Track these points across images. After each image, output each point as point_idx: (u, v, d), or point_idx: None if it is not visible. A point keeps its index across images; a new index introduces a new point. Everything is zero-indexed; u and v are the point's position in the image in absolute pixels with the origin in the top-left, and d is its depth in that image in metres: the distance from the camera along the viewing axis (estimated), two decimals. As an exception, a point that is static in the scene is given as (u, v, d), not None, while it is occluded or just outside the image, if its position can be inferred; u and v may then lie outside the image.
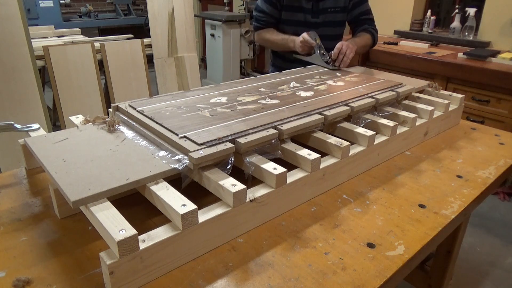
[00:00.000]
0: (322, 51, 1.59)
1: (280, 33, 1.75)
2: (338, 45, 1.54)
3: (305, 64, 1.65)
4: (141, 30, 4.90)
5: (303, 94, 1.19)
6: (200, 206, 0.71)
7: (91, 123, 1.01)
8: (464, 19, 2.96)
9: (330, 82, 1.34)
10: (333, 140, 0.96)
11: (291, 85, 1.29)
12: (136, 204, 0.85)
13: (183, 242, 0.69)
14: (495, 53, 2.55)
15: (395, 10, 3.36)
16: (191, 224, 0.68)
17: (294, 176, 0.86)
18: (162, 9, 3.36)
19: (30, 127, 1.00)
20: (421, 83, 1.42)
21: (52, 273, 0.68)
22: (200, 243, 0.72)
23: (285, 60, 1.84)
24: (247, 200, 0.76)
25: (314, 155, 0.87)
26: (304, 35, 1.57)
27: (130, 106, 1.05)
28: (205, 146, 0.81)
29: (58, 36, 3.47)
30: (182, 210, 0.66)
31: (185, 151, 0.81)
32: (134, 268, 0.63)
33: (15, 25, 2.27)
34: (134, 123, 0.98)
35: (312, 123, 1.00)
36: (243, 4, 4.77)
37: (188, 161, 0.79)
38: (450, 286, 1.65)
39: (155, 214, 0.81)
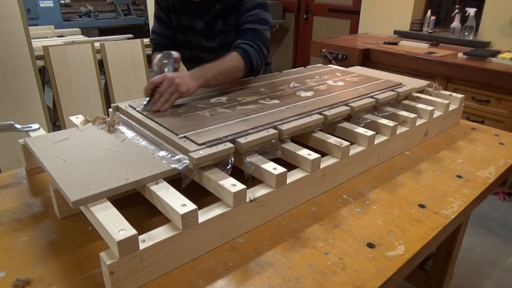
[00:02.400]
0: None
1: None
2: (158, 77, 1.03)
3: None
4: (141, 30, 4.91)
5: (303, 94, 1.19)
6: (200, 206, 0.71)
7: (91, 123, 1.01)
8: (464, 19, 2.96)
9: (330, 82, 1.34)
10: (333, 140, 0.96)
11: (291, 85, 1.29)
12: (136, 204, 0.85)
13: (183, 242, 0.69)
14: (495, 53, 2.55)
15: (395, 10, 3.36)
16: (191, 224, 0.68)
17: (294, 176, 0.86)
18: (162, 9, 3.35)
19: (30, 127, 1.01)
20: (421, 83, 1.42)
21: (52, 273, 0.68)
22: (200, 243, 0.72)
23: None
24: (247, 200, 0.76)
25: (314, 155, 0.87)
26: (155, 57, 1.16)
27: (130, 106, 1.05)
28: (205, 146, 0.81)
29: (58, 36, 3.47)
30: (182, 210, 0.66)
31: (185, 151, 0.81)
32: (134, 268, 0.63)
33: (15, 25, 2.27)
34: (134, 123, 0.98)
35: (312, 123, 1.00)
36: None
37: (188, 161, 0.79)
38: (450, 286, 1.65)
39: (155, 214, 0.81)
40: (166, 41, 1.46)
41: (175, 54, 1.13)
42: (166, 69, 1.10)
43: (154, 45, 1.48)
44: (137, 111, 1.02)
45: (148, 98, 1.05)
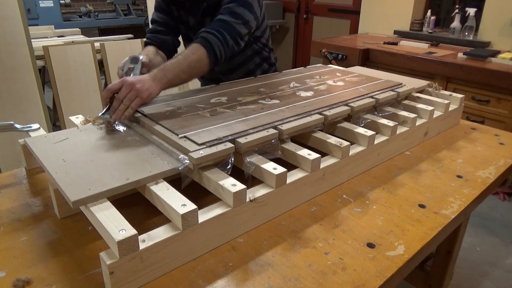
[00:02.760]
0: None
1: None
2: (116, 84, 0.96)
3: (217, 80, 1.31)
4: (141, 30, 4.90)
5: (303, 94, 1.19)
6: (200, 206, 0.71)
7: (91, 123, 1.01)
8: (464, 19, 2.96)
9: (330, 82, 1.34)
10: (333, 140, 0.96)
11: (291, 85, 1.29)
12: (136, 204, 0.85)
13: (183, 242, 0.69)
14: (495, 53, 2.55)
15: (395, 10, 3.36)
16: (191, 224, 0.68)
17: (294, 176, 0.86)
18: (162, 9, 3.35)
19: (30, 127, 1.01)
20: (421, 83, 1.42)
21: (52, 273, 0.68)
22: (200, 243, 0.72)
23: (209, 78, 1.50)
24: (247, 200, 0.76)
25: (314, 155, 0.87)
26: (123, 60, 1.09)
27: (130, 106, 1.05)
28: (205, 146, 0.81)
29: (58, 36, 3.47)
30: (182, 210, 0.66)
31: (185, 151, 0.81)
32: (134, 268, 0.63)
33: (15, 25, 2.27)
34: (134, 123, 0.98)
35: (312, 123, 1.00)
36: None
37: (188, 161, 0.79)
38: (450, 286, 1.65)
39: (155, 214, 0.81)
40: (167, 28, 1.39)
41: (143, 58, 1.08)
42: (131, 75, 1.03)
43: (149, 38, 1.38)
44: (137, 110, 1.01)
45: (107, 106, 0.96)
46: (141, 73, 1.06)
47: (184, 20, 1.40)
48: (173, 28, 1.41)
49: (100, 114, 0.97)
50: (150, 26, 1.42)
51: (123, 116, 0.94)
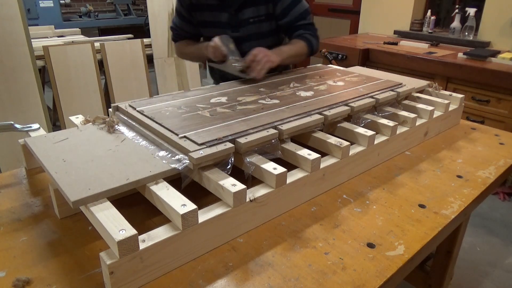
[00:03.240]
0: (235, 58, 1.36)
1: (196, 42, 1.57)
2: (254, 51, 1.30)
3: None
4: (141, 30, 4.90)
5: (303, 94, 1.19)
6: (200, 206, 0.71)
7: (91, 123, 1.01)
8: (464, 19, 2.96)
9: (330, 82, 1.34)
10: (333, 140, 0.96)
11: (291, 85, 1.29)
12: (136, 204, 0.85)
13: (183, 242, 0.69)
14: (495, 53, 2.55)
15: (395, 10, 3.36)
16: (191, 224, 0.68)
17: (294, 176, 0.86)
18: (162, 9, 3.36)
19: (30, 127, 1.01)
20: (421, 83, 1.42)
21: (52, 273, 0.68)
22: (200, 243, 0.72)
23: (222, 76, 1.58)
24: (247, 200, 0.76)
25: (314, 155, 0.87)
26: (216, 39, 1.34)
27: (130, 106, 1.05)
28: (205, 146, 0.81)
29: (58, 36, 3.47)
30: (182, 210, 0.66)
31: (185, 151, 0.81)
32: (134, 268, 0.63)
33: (15, 25, 2.27)
34: (134, 123, 0.98)
35: (312, 123, 1.00)
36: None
37: (188, 161, 0.79)
38: (450, 286, 1.65)
39: (155, 214, 0.81)
40: (187, 34, 1.58)
41: (229, 37, 1.38)
42: (232, 47, 1.36)
43: (174, 35, 1.61)
44: (138, 110, 1.01)
45: (241, 66, 1.32)
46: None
47: (209, 20, 1.49)
48: (193, 34, 1.59)
49: (244, 74, 1.32)
50: (172, 26, 1.61)
51: (259, 75, 1.29)
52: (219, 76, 1.61)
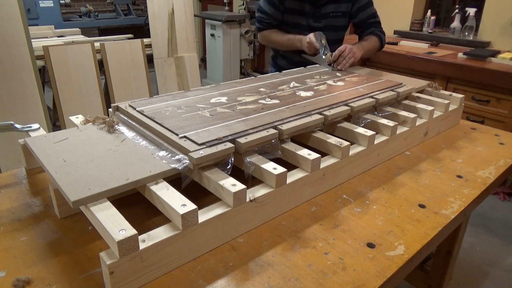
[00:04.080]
0: (326, 52, 1.60)
1: (285, 33, 1.75)
2: (341, 47, 1.55)
3: (305, 65, 1.66)
4: (141, 30, 4.90)
5: (303, 94, 1.19)
6: (200, 206, 0.71)
7: (91, 123, 1.01)
8: (464, 19, 2.96)
9: (330, 82, 1.34)
10: (333, 140, 0.96)
11: (291, 85, 1.29)
12: (136, 204, 0.85)
13: (183, 242, 0.69)
14: (495, 53, 2.55)
15: (395, 10, 3.36)
16: (191, 224, 0.68)
17: (294, 176, 0.86)
18: (162, 9, 3.36)
19: (30, 127, 1.00)
20: (421, 83, 1.42)
21: (52, 273, 0.68)
22: (200, 243, 0.72)
23: (289, 62, 1.85)
24: (247, 200, 0.76)
25: (314, 155, 0.87)
26: (311, 36, 1.59)
27: (130, 106, 1.05)
28: (205, 146, 0.81)
29: (58, 36, 3.47)
30: (182, 210, 0.66)
31: (185, 151, 0.81)
32: (134, 268, 0.63)
33: (15, 25, 2.27)
34: (134, 123, 0.98)
35: (312, 123, 1.00)
36: (243, 4, 4.77)
37: (188, 161, 0.79)
38: (450, 286, 1.65)
39: (155, 214, 0.81)
40: (275, 22, 1.76)
41: (322, 33, 1.62)
42: (325, 43, 1.60)
43: (263, 23, 1.78)
44: (138, 110, 1.01)
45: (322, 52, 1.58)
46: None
47: (296, 8, 1.71)
48: (280, 20, 1.76)
49: (331, 68, 1.56)
50: (259, 14, 1.79)
51: (344, 67, 1.53)
52: (283, 67, 1.81)
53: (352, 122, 1.10)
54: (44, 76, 3.36)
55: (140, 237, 0.64)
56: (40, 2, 4.59)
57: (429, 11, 3.20)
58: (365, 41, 1.71)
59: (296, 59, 1.80)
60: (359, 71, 1.55)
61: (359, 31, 1.83)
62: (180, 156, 0.81)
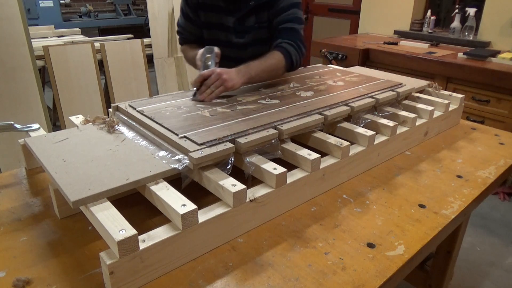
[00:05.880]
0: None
1: (195, 49, 1.36)
2: (207, 71, 1.12)
3: None
4: (141, 30, 4.91)
5: (303, 94, 1.19)
6: (200, 206, 0.71)
7: (91, 123, 1.01)
8: (464, 19, 2.96)
9: (330, 82, 1.34)
10: (333, 140, 0.96)
11: (291, 85, 1.29)
12: (136, 204, 0.85)
13: (183, 242, 0.69)
14: (495, 53, 2.55)
15: (395, 10, 3.36)
16: (191, 224, 0.68)
17: (294, 176, 0.86)
18: (162, 9, 3.36)
19: (30, 127, 1.01)
20: (421, 83, 1.42)
21: (52, 273, 0.68)
22: (200, 243, 0.72)
23: None
24: (247, 200, 0.76)
25: (314, 155, 0.87)
26: (199, 51, 1.24)
27: (130, 106, 1.05)
28: (205, 146, 0.81)
29: (58, 36, 3.47)
30: (182, 210, 0.66)
31: (185, 151, 0.81)
32: (134, 268, 0.63)
33: (15, 25, 2.27)
34: (134, 123, 0.98)
35: (312, 123, 1.00)
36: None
37: (188, 161, 0.79)
38: (450, 286, 1.65)
39: (155, 214, 0.81)
40: (192, 37, 1.51)
41: (216, 49, 1.24)
42: (209, 63, 1.20)
43: (180, 38, 1.54)
44: (138, 110, 1.01)
45: (195, 89, 1.15)
46: (215, 62, 1.22)
47: (214, 22, 1.42)
48: (198, 36, 1.51)
49: (192, 95, 1.14)
50: (177, 29, 1.55)
51: (207, 98, 1.11)
52: None
53: (352, 122, 1.10)
54: (44, 76, 3.36)
55: (140, 237, 0.64)
56: (40, 2, 4.59)
57: (429, 11, 3.20)
58: (258, 61, 1.24)
59: None
60: (358, 71, 1.55)
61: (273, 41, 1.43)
62: (180, 156, 0.81)
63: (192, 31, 1.49)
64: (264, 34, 1.42)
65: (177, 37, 1.59)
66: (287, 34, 1.35)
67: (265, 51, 1.34)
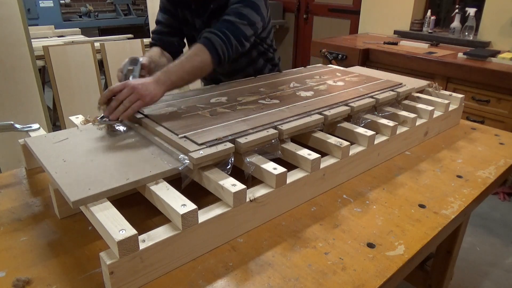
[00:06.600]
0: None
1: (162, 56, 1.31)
2: (117, 85, 0.94)
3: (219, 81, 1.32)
4: (141, 30, 4.90)
5: (303, 94, 1.19)
6: (200, 206, 0.71)
7: (91, 123, 1.01)
8: (464, 19, 2.96)
9: (330, 82, 1.34)
10: (333, 140, 0.96)
11: (291, 85, 1.29)
12: (136, 204, 0.85)
13: (183, 242, 0.69)
14: (495, 53, 2.55)
15: (395, 10, 3.36)
16: (191, 224, 0.68)
17: (294, 176, 0.86)
18: (162, 9, 3.34)
19: (30, 127, 1.01)
20: (421, 83, 1.42)
21: (52, 273, 0.68)
22: (200, 243, 0.72)
23: (211, 79, 1.52)
24: (247, 200, 0.76)
25: (314, 155, 0.87)
26: (123, 62, 1.08)
27: (130, 106, 1.05)
28: (205, 146, 0.81)
29: (58, 36, 3.47)
30: (182, 210, 0.66)
31: (185, 151, 0.81)
32: (134, 268, 0.63)
33: (15, 25, 2.27)
34: (134, 123, 0.98)
35: (312, 123, 1.00)
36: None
37: (188, 161, 0.79)
38: (450, 286, 1.65)
39: (155, 214, 0.81)
40: (172, 30, 1.39)
41: (143, 60, 1.08)
42: (131, 77, 1.02)
43: (154, 39, 1.39)
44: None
45: (103, 109, 0.95)
46: (141, 75, 1.06)
47: (190, 22, 1.38)
48: (178, 30, 1.40)
49: (99, 118, 0.95)
50: (155, 26, 1.42)
51: (122, 116, 0.92)
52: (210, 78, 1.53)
53: (352, 122, 1.10)
54: (44, 76, 3.36)
55: (140, 237, 0.64)
56: (40, 2, 4.59)
57: (429, 11, 3.20)
58: (181, 60, 1.08)
59: (210, 77, 1.49)
60: (358, 71, 1.55)
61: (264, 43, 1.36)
62: (180, 156, 0.81)
63: (172, 24, 1.39)
64: None
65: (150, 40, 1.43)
66: (218, 24, 1.19)
67: (240, 56, 1.30)
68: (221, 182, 0.76)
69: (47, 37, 3.39)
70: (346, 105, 1.11)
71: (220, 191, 0.76)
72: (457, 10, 2.99)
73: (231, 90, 1.23)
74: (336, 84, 1.31)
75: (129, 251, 0.61)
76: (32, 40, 2.41)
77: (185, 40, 1.47)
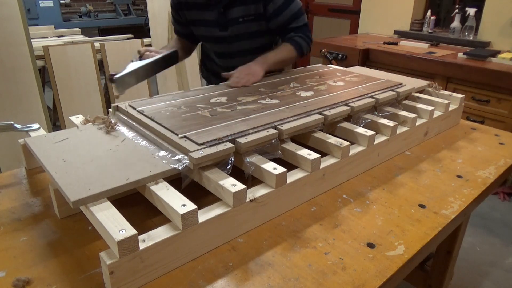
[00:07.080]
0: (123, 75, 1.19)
1: (178, 43, 1.59)
2: (236, 72, 1.30)
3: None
4: (141, 30, 4.90)
5: (303, 94, 1.19)
6: (200, 206, 0.71)
7: (91, 123, 1.01)
8: (464, 19, 2.96)
9: (330, 82, 1.34)
10: (333, 140, 0.96)
11: (291, 85, 1.29)
12: (136, 204, 0.85)
13: (183, 242, 0.69)
14: (495, 53, 2.55)
15: (395, 10, 3.36)
16: (191, 224, 0.68)
17: (294, 176, 0.86)
18: (162, 9, 3.36)
19: (30, 127, 1.01)
20: (421, 83, 1.42)
21: (52, 273, 0.68)
22: (200, 243, 0.72)
23: (213, 73, 1.66)
24: (247, 200, 0.76)
25: (314, 155, 0.87)
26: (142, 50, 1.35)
27: (130, 106, 1.05)
28: (205, 146, 0.81)
29: (58, 36, 3.47)
30: (182, 210, 0.66)
31: (185, 151, 0.81)
32: (134, 268, 0.63)
33: (15, 25, 2.27)
34: (134, 123, 0.98)
35: (312, 123, 1.00)
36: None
37: (188, 161, 0.79)
38: (450, 286, 1.65)
39: (155, 214, 0.81)
40: (182, 36, 1.60)
41: (142, 50, 1.34)
42: (131, 65, 1.24)
43: (175, 31, 1.62)
44: (138, 110, 1.01)
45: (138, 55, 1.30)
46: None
47: (197, 19, 1.47)
48: (186, 34, 1.58)
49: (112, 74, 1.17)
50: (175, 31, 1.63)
51: (239, 84, 1.26)
52: (211, 74, 1.67)
53: (352, 122, 1.10)
54: (44, 76, 3.36)
55: (140, 237, 0.64)
56: (40, 2, 4.59)
57: (429, 11, 3.20)
58: (273, 52, 1.42)
59: (212, 67, 1.64)
60: (358, 71, 1.55)
61: (280, 37, 1.53)
62: (180, 156, 0.81)
63: (180, 30, 1.58)
64: (253, 27, 1.44)
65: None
66: (298, 30, 1.46)
67: (256, 46, 1.47)
68: (221, 182, 0.76)
69: (47, 37, 3.39)
70: (346, 105, 1.11)
71: (220, 191, 0.76)
72: (457, 10, 2.99)
73: (231, 90, 1.23)
74: (336, 84, 1.31)
75: (129, 251, 0.61)
76: (32, 40, 2.41)
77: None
